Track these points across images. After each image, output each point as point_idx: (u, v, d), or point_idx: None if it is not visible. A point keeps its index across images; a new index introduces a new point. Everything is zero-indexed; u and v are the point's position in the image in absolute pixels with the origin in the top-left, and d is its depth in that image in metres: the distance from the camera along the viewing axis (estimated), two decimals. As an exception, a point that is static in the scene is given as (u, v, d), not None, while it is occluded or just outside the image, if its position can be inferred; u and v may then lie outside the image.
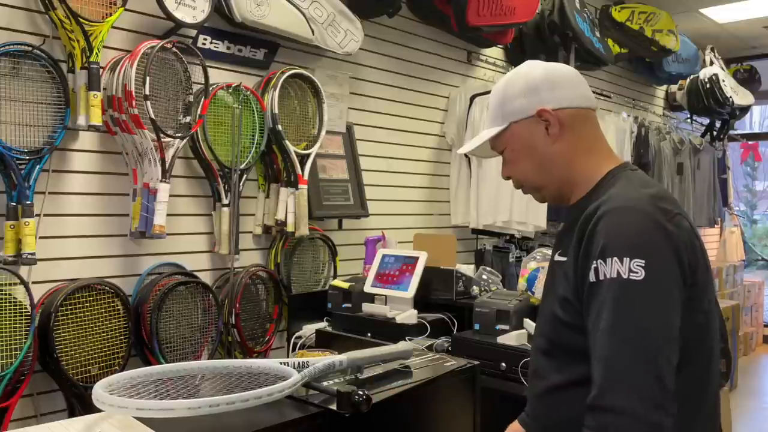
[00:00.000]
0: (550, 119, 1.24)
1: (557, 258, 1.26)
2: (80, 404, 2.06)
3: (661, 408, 1.02)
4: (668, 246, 1.09)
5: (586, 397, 1.09)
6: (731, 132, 6.58)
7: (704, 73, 5.67)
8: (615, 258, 1.08)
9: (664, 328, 1.06)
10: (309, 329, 2.62)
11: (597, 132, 1.29)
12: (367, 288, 2.54)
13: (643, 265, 1.06)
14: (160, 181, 2.22)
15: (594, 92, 5.02)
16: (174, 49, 2.33)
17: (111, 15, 2.13)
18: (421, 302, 2.52)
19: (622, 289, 1.06)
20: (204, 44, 2.54)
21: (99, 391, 1.09)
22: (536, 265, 2.54)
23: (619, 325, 1.06)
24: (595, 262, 1.10)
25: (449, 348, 2.34)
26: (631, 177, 1.23)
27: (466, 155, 3.59)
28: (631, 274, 1.06)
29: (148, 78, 2.17)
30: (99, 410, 1.12)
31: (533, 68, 1.29)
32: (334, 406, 1.21)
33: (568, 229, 1.26)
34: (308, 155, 2.75)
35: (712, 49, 6.06)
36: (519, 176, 1.32)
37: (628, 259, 1.07)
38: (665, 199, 1.16)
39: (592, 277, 1.11)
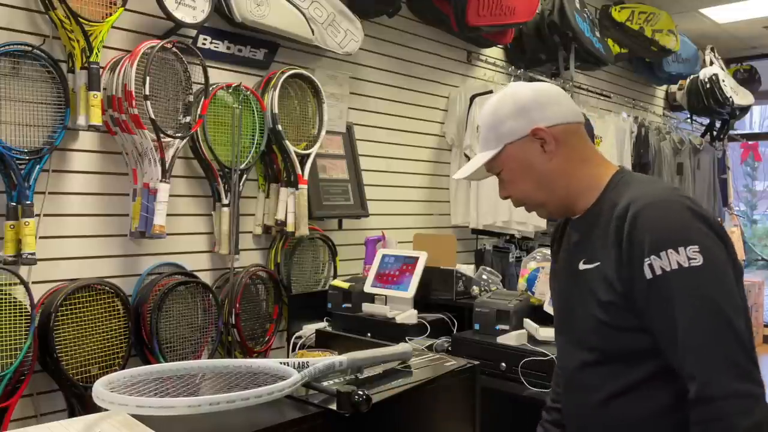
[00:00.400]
0: (545, 137, 1.27)
1: (583, 267, 1.26)
2: (80, 404, 2.06)
3: (756, 381, 1.06)
4: (711, 230, 1.12)
5: (654, 395, 1.13)
6: (731, 132, 6.58)
7: (704, 73, 5.67)
8: (669, 250, 1.09)
9: (736, 306, 1.09)
10: (309, 329, 2.62)
11: (588, 143, 1.33)
12: (367, 288, 2.54)
13: (698, 250, 1.09)
14: (160, 181, 2.22)
15: (594, 92, 5.04)
16: (174, 49, 2.33)
17: (111, 15, 2.13)
18: (421, 302, 2.52)
19: (688, 277, 1.09)
20: (204, 44, 2.54)
21: (99, 389, 1.09)
22: (536, 265, 2.54)
23: (698, 314, 1.08)
24: (647, 259, 1.11)
25: (449, 348, 2.34)
26: (640, 177, 1.28)
27: (466, 155, 3.61)
28: (690, 261, 1.08)
29: (148, 78, 2.17)
30: (99, 410, 1.12)
31: (520, 89, 1.31)
32: (334, 406, 1.21)
33: (587, 236, 1.27)
34: (308, 155, 2.75)
35: (712, 49, 6.06)
36: (519, 195, 1.34)
37: (682, 248, 1.09)
38: (682, 190, 1.23)
39: (647, 274, 1.11)
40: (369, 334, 2.38)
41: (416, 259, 2.49)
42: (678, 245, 1.09)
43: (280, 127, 2.64)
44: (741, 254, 6.87)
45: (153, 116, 2.18)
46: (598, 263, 1.22)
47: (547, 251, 2.59)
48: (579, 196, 1.29)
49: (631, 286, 1.15)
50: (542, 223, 3.65)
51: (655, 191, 1.19)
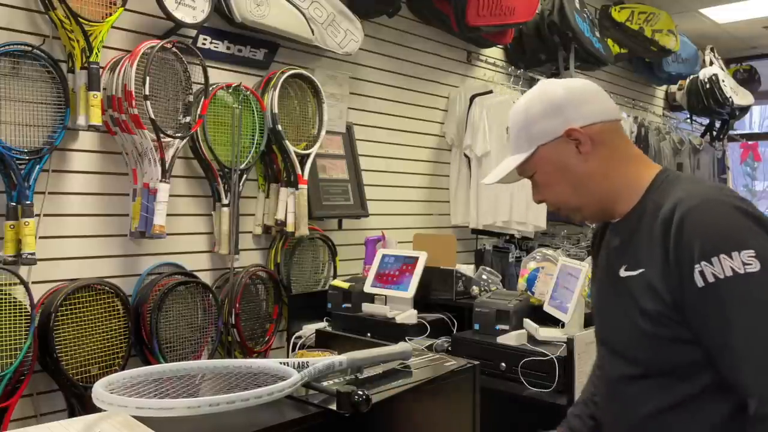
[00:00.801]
0: (580, 138, 1.20)
1: (624, 273, 1.19)
2: (80, 404, 2.06)
3: None
4: (763, 229, 1.06)
5: (707, 410, 1.07)
6: (731, 132, 6.58)
7: (704, 74, 5.67)
8: (722, 255, 1.03)
9: None
10: (309, 329, 2.62)
11: (627, 141, 1.26)
12: (367, 288, 2.54)
13: (754, 255, 1.02)
14: (160, 181, 2.22)
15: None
16: (174, 49, 2.33)
17: (111, 15, 2.13)
18: (420, 302, 2.52)
19: (745, 284, 1.02)
20: (204, 44, 2.54)
21: (99, 390, 1.09)
22: (536, 265, 2.54)
23: (757, 323, 1.02)
24: (698, 266, 1.04)
25: (449, 348, 2.34)
26: (685, 176, 1.21)
27: (465, 155, 3.62)
28: (746, 267, 1.02)
29: (148, 78, 2.17)
30: (99, 410, 1.12)
31: (552, 87, 1.25)
32: (333, 406, 1.21)
33: (628, 241, 1.20)
34: (308, 155, 2.75)
35: (712, 50, 6.06)
36: (554, 199, 1.28)
37: (736, 253, 1.02)
38: (729, 189, 1.15)
39: (699, 282, 1.04)
40: (369, 334, 2.38)
41: (416, 259, 2.49)
42: (731, 250, 1.02)
43: (280, 127, 2.64)
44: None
45: (153, 116, 2.18)
46: (642, 270, 1.14)
47: (547, 251, 2.60)
48: (618, 199, 1.22)
49: (681, 295, 1.07)
50: (542, 223, 3.66)
51: (702, 191, 1.11)
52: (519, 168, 1.28)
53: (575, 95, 1.22)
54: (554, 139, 1.22)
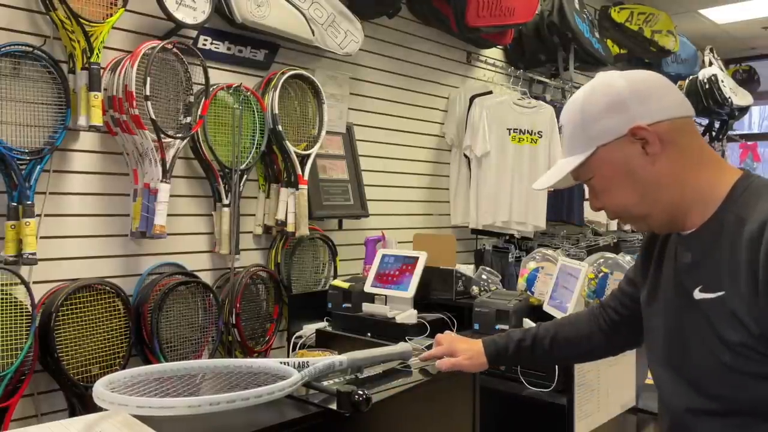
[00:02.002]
0: (647, 136, 1.06)
1: (699, 295, 1.05)
2: (81, 404, 2.06)
3: None
4: None
5: None
6: (730, 132, 6.58)
7: (703, 74, 5.68)
8: None
9: None
10: (309, 329, 2.62)
11: (701, 141, 1.11)
12: (367, 288, 2.54)
13: None
14: (161, 181, 2.23)
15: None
16: (174, 49, 2.33)
17: (112, 16, 2.14)
18: (420, 302, 2.52)
19: None
20: (204, 45, 2.55)
21: (100, 389, 1.10)
22: (535, 264, 2.54)
23: None
24: None
25: (449, 348, 2.34)
26: None
27: (465, 156, 3.62)
28: None
29: (148, 78, 2.17)
30: (100, 410, 1.12)
31: (613, 80, 1.11)
32: (334, 406, 1.22)
33: (704, 258, 1.06)
34: (308, 155, 2.75)
35: (711, 50, 6.07)
36: (616, 207, 1.14)
37: None
38: None
39: None
40: (369, 334, 2.39)
41: (416, 259, 2.49)
42: None
43: (280, 128, 2.64)
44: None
45: (153, 117, 2.18)
46: (722, 293, 1.01)
47: (546, 251, 2.60)
48: (691, 208, 1.08)
49: None
50: (541, 223, 3.66)
51: None
52: (574, 172, 1.15)
53: (641, 88, 1.09)
54: (616, 138, 1.09)
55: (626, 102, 1.08)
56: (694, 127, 1.12)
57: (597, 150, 1.11)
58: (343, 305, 2.60)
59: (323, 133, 2.84)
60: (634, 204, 1.11)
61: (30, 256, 1.96)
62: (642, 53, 4.91)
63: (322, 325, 2.67)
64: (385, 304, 2.50)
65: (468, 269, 2.80)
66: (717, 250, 1.03)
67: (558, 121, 1.26)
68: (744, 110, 6.08)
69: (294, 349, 2.61)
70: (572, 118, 1.14)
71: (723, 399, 1.03)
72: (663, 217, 1.11)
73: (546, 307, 2.28)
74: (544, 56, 4.11)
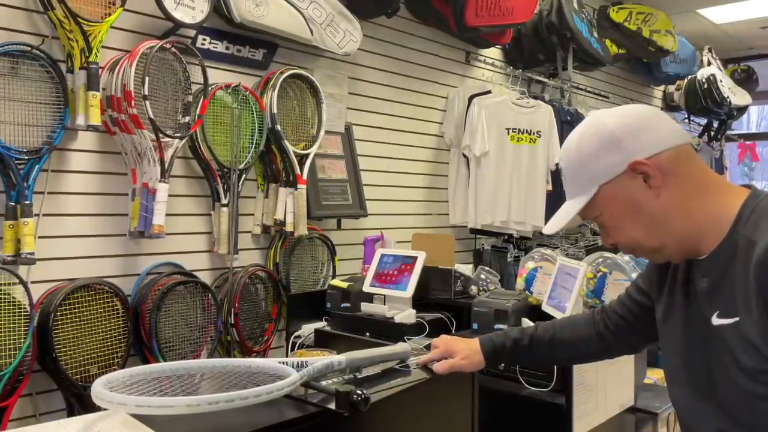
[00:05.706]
0: (647, 170, 1.07)
1: (717, 321, 1.05)
2: (79, 404, 2.06)
3: None
4: None
5: None
6: (728, 132, 6.60)
7: (702, 74, 5.69)
8: None
9: None
10: (308, 329, 2.62)
11: (702, 167, 1.11)
12: (366, 288, 2.54)
13: None
14: (159, 180, 2.23)
15: (592, 92, 5.04)
16: (173, 49, 2.33)
17: (110, 15, 2.13)
18: (419, 302, 2.52)
19: None
20: (203, 44, 2.54)
21: (98, 388, 1.10)
22: (534, 264, 2.54)
23: None
24: None
25: (448, 347, 2.33)
26: None
27: (464, 155, 3.62)
28: None
29: (147, 78, 2.17)
30: (98, 409, 1.12)
31: (604, 119, 1.12)
32: (332, 406, 1.22)
33: (718, 283, 1.06)
34: (307, 155, 2.75)
35: (710, 50, 6.07)
36: (628, 241, 1.14)
37: None
38: None
39: None
40: (368, 334, 2.38)
41: (415, 258, 2.49)
42: None
43: (279, 127, 2.64)
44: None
45: (152, 116, 2.18)
46: (737, 319, 1.01)
47: (545, 251, 2.60)
48: (703, 235, 1.08)
49: None
50: (541, 223, 3.66)
51: None
52: (581, 212, 1.16)
53: (631, 123, 1.10)
54: (617, 175, 1.09)
55: (620, 139, 1.09)
56: (692, 154, 1.12)
57: (600, 189, 1.12)
58: (342, 305, 2.60)
59: (322, 132, 2.84)
60: (645, 237, 1.12)
61: (28, 256, 1.96)
62: (641, 53, 4.92)
63: (321, 324, 2.67)
64: (384, 304, 2.50)
65: (467, 269, 2.80)
66: (731, 275, 1.03)
67: (559, 164, 1.26)
68: (742, 110, 6.09)
69: (293, 348, 2.61)
70: (570, 161, 1.16)
71: (755, 426, 1.02)
72: (677, 246, 1.11)
73: (545, 307, 2.29)
74: (543, 56, 4.12)
